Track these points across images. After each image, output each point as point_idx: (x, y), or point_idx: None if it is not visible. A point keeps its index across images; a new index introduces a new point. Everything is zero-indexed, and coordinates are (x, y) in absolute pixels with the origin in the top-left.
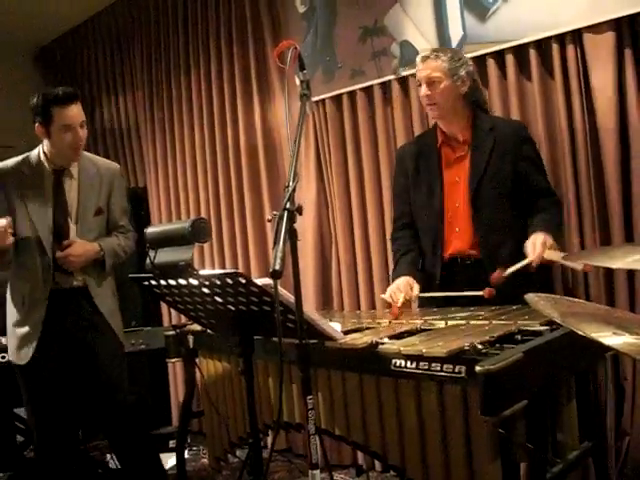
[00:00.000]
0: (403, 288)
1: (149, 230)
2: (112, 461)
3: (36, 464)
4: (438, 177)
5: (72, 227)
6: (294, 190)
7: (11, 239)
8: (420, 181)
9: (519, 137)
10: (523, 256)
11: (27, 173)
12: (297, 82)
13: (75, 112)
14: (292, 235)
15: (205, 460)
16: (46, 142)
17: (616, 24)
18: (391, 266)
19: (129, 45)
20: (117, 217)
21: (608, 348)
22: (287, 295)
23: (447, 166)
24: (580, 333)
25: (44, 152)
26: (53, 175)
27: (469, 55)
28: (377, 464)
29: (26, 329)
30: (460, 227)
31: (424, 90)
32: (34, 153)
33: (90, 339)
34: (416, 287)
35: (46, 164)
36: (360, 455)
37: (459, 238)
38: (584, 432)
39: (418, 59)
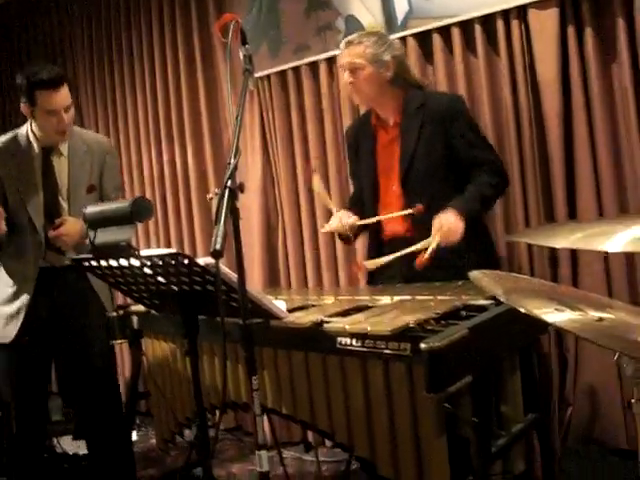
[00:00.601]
0: (338, 218)
1: (88, 210)
2: (59, 445)
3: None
4: (374, 161)
5: (64, 205)
6: (236, 167)
7: (3, 228)
8: (360, 165)
9: (450, 112)
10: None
11: (16, 152)
12: (240, 56)
13: (60, 97)
14: (234, 214)
15: (154, 441)
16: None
17: (560, 0)
18: (338, 242)
19: (68, 11)
20: (110, 194)
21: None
22: (230, 274)
23: (382, 149)
24: (522, 310)
25: (32, 130)
26: (42, 153)
27: (414, 30)
28: (327, 441)
29: (13, 308)
30: (396, 210)
31: (346, 77)
32: (22, 131)
33: (80, 318)
34: (353, 218)
35: (34, 143)
36: (310, 432)
37: (396, 221)
38: (528, 404)
39: (341, 45)
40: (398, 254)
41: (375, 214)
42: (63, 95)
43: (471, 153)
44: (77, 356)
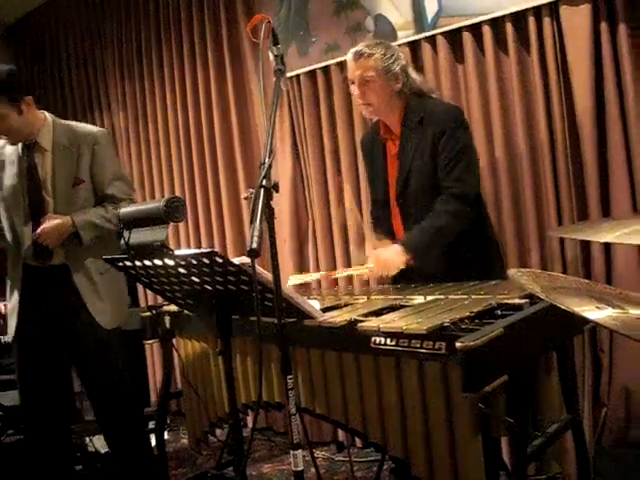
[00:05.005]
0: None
1: (122, 210)
2: (91, 444)
3: (24, 445)
4: (385, 172)
5: (49, 201)
6: (270, 167)
7: None
8: (374, 174)
9: (439, 127)
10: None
11: (6, 153)
12: (270, 57)
13: None
14: (269, 213)
15: (185, 441)
16: None
17: None
18: (368, 242)
19: (99, 21)
20: (104, 185)
21: (588, 321)
22: (265, 274)
23: (391, 160)
24: (564, 308)
25: None
26: (25, 151)
27: (445, 29)
28: (358, 440)
29: (10, 305)
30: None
31: (356, 90)
32: None
33: (67, 320)
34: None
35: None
36: (341, 432)
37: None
38: (563, 405)
39: (349, 57)
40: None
41: (389, 225)
42: None
43: (443, 173)
44: (77, 355)
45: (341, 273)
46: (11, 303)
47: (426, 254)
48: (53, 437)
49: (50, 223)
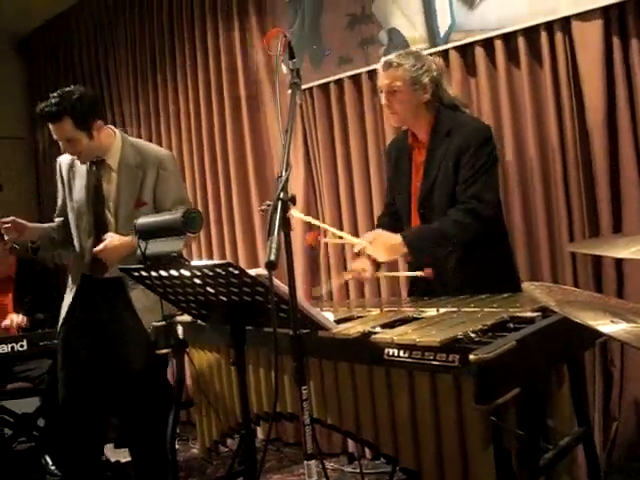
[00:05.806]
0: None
1: (139, 221)
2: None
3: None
4: (409, 180)
5: (111, 220)
6: (287, 180)
7: (15, 234)
8: (398, 181)
9: (465, 143)
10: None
11: (77, 165)
12: (285, 70)
13: (56, 130)
14: (286, 225)
15: (195, 450)
16: None
17: (604, 12)
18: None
19: (112, 33)
20: (167, 208)
21: (599, 335)
22: (280, 285)
23: (416, 169)
24: (579, 322)
25: None
26: (92, 169)
27: (457, 43)
28: (368, 451)
29: (62, 308)
30: None
31: (384, 99)
32: None
33: (118, 333)
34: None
35: None
36: (351, 443)
37: None
38: (574, 418)
39: (380, 66)
40: (345, 240)
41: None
42: (59, 129)
43: (461, 187)
44: (114, 368)
45: (334, 234)
46: (63, 306)
47: (421, 254)
48: (91, 440)
49: (111, 243)
